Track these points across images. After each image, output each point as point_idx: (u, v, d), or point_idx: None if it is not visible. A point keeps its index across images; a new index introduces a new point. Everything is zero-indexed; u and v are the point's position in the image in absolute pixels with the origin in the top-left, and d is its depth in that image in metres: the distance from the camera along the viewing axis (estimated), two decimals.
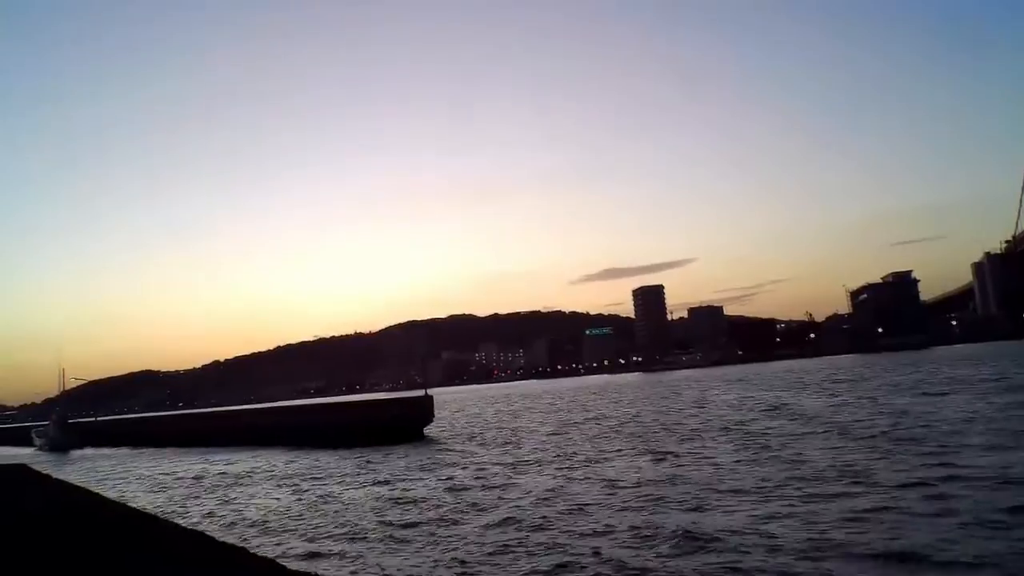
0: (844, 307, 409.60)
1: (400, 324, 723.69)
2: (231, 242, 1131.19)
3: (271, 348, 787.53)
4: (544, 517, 25.30)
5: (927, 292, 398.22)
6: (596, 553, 19.79)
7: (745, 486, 27.61)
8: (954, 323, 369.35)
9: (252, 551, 17.66)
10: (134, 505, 31.80)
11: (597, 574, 18.05)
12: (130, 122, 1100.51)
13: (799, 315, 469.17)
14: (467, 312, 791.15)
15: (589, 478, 33.59)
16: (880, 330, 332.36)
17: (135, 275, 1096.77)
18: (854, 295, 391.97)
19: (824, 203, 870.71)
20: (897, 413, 50.31)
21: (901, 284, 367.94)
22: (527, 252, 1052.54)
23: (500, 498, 30.39)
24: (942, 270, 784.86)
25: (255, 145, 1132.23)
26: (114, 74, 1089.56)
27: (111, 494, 36.54)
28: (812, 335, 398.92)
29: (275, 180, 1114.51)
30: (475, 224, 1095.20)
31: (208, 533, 20.94)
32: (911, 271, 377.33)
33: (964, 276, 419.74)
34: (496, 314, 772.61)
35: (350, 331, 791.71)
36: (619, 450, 43.87)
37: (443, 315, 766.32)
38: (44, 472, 36.45)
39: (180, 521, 27.34)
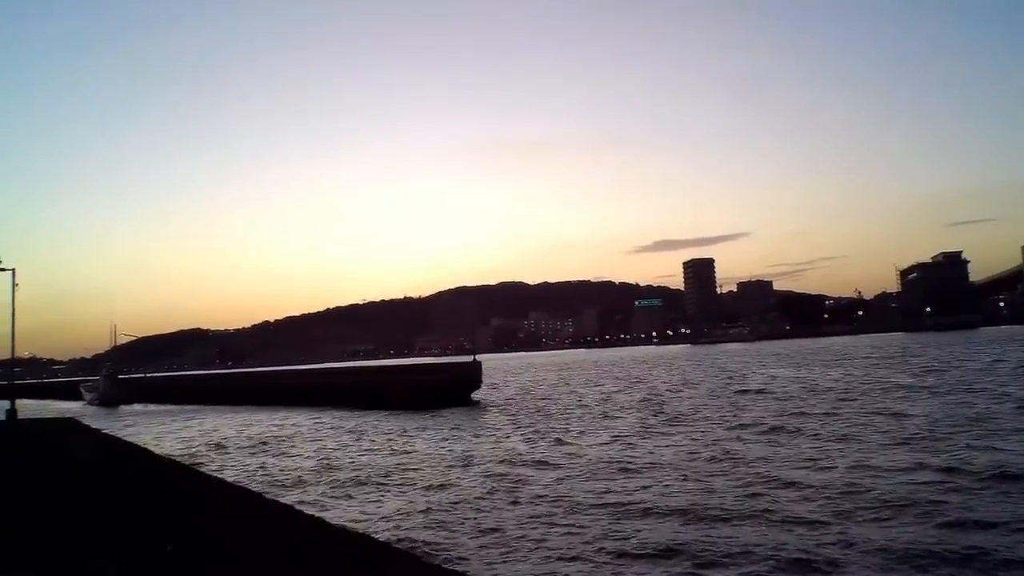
0: (894, 286, 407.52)
1: (450, 290, 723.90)
2: (284, 204, 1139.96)
3: (321, 310, 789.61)
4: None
5: (978, 273, 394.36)
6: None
7: None
8: (1002, 304, 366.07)
9: (298, 507, 17.90)
10: (179, 459, 32.35)
11: None
12: (185, 80, 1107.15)
13: (849, 292, 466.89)
14: (517, 280, 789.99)
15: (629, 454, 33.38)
16: (928, 309, 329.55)
17: (187, 233, 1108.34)
18: (903, 274, 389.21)
19: (879, 182, 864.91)
20: None
21: (951, 264, 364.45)
22: (579, 222, 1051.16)
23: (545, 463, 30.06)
24: (994, 251, 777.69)
25: (313, 109, 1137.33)
26: (173, 16, 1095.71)
27: (157, 448, 37.05)
28: (860, 312, 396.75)
29: (329, 144, 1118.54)
30: (527, 192, 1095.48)
31: (252, 488, 21.23)
32: (961, 252, 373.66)
33: (1015, 258, 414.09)
34: (546, 282, 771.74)
35: (400, 295, 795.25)
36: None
37: (493, 282, 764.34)
38: (93, 426, 37.07)
39: (225, 475, 27.69)
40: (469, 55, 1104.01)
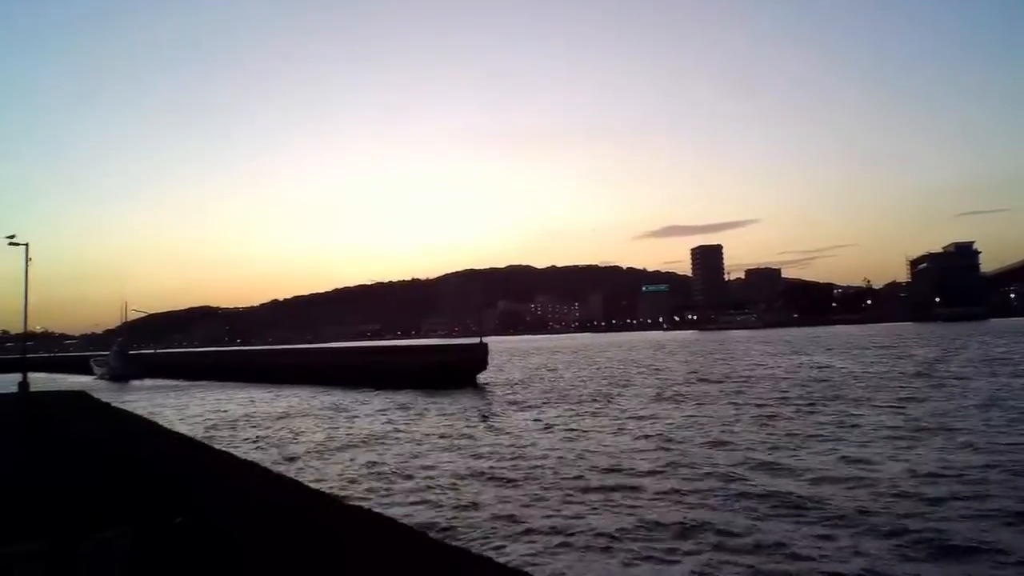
0: (904, 276, 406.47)
1: (458, 272, 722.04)
2: (294, 185, 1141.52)
3: (329, 290, 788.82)
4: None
5: (989, 264, 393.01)
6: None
7: None
8: (1013, 296, 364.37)
9: (305, 484, 18.29)
10: (187, 433, 32.77)
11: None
12: (198, 63, 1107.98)
13: (858, 281, 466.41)
14: (525, 263, 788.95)
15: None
16: (937, 300, 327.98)
17: (198, 212, 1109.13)
18: (914, 264, 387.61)
19: (890, 171, 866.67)
20: None
21: (961, 255, 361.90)
22: (587, 207, 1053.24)
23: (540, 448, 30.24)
24: (1005, 242, 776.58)
25: (326, 91, 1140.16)
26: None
27: (165, 422, 37.53)
28: (869, 301, 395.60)
29: (341, 127, 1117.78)
30: (536, 177, 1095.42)
31: (260, 463, 21.66)
32: (972, 242, 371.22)
33: None
34: (554, 266, 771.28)
35: (408, 277, 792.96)
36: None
37: (501, 265, 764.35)
38: (103, 400, 37.41)
39: (232, 450, 28.12)
40: (483, 41, 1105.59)
